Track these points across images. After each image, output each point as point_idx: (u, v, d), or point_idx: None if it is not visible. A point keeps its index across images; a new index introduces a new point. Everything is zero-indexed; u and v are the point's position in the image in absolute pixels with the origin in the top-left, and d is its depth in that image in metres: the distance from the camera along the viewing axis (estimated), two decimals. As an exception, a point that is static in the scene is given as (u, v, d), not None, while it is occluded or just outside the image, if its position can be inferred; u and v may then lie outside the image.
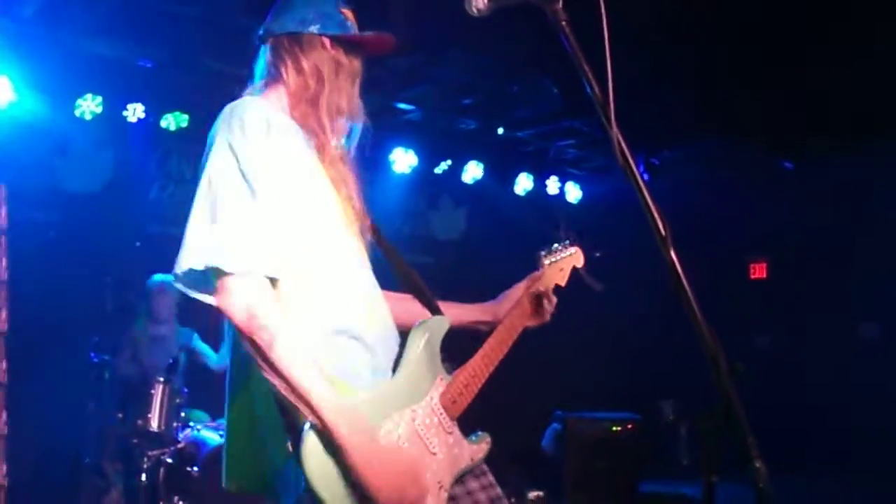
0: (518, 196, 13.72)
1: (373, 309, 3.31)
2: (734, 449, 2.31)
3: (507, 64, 10.06)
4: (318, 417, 2.88)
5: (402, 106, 11.44)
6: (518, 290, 3.93)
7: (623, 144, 2.47)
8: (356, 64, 3.45)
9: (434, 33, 8.53)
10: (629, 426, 11.58)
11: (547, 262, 4.03)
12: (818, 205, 12.85)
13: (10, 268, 7.27)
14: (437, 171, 12.97)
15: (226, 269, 2.91)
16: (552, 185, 14.04)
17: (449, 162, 12.94)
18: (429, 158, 12.64)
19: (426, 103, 11.50)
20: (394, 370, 3.30)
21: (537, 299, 3.89)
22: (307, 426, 2.91)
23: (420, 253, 12.75)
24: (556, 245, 4.12)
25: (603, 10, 2.54)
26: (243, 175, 3.04)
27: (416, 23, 8.14)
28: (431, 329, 3.43)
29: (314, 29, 3.38)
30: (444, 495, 3.28)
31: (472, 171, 13.09)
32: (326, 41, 3.37)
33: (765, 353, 13.72)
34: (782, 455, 9.87)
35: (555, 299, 3.94)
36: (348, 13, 3.47)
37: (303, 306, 3.10)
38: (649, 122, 11.07)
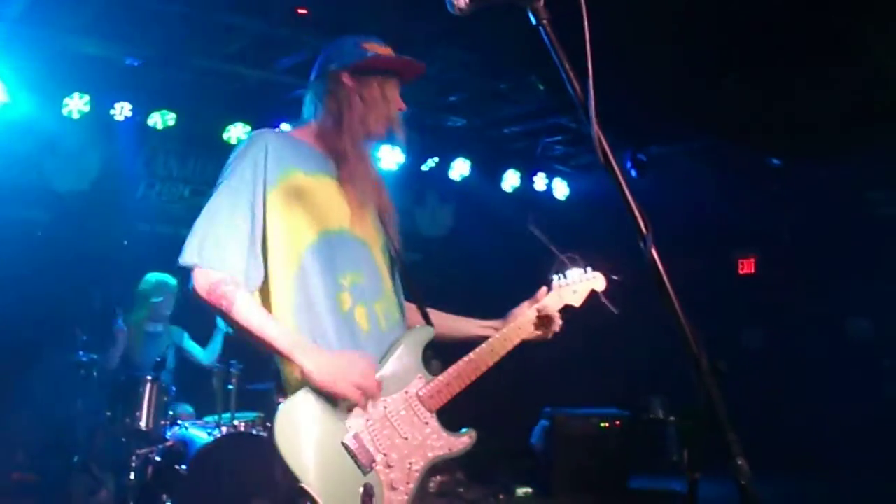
0: (505, 193, 13.71)
1: (364, 313, 3.75)
2: (720, 445, 2.32)
3: (493, 61, 10.07)
4: (278, 350, 3.50)
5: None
6: (523, 307, 4.24)
7: (604, 142, 2.48)
8: (387, 89, 3.91)
9: (421, 30, 8.52)
10: (617, 423, 11.61)
11: (558, 284, 4.33)
12: (806, 201, 12.88)
13: (-2, 267, 7.28)
14: (424, 167, 12.96)
15: (188, 263, 3.55)
16: (539, 181, 14.04)
17: (436, 159, 12.94)
18: (416, 155, 12.63)
19: (413, 100, 11.46)
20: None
21: (544, 317, 4.19)
22: (282, 402, 3.50)
23: (407, 250, 12.76)
24: (574, 270, 4.39)
25: (584, 9, 2.55)
26: (226, 190, 3.65)
27: (403, 20, 8.15)
28: (414, 337, 3.85)
29: (333, 67, 3.91)
30: (416, 476, 3.63)
31: (459, 168, 13.10)
32: (343, 75, 3.87)
33: (753, 349, 13.74)
34: (771, 451, 9.92)
35: (558, 318, 4.23)
36: (374, 46, 3.94)
37: (284, 306, 3.67)
38: (637, 118, 11.09)
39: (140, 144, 10.85)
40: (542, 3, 2.62)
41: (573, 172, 14.46)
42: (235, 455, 7.76)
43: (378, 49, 3.93)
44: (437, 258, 13.10)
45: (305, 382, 3.47)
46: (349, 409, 3.54)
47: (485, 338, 4.05)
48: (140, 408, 8.07)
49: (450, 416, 3.79)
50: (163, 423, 8.23)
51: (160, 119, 10.42)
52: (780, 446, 11.33)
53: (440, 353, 4.06)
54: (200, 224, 3.58)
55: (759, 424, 10.84)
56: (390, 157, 12.16)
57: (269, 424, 3.64)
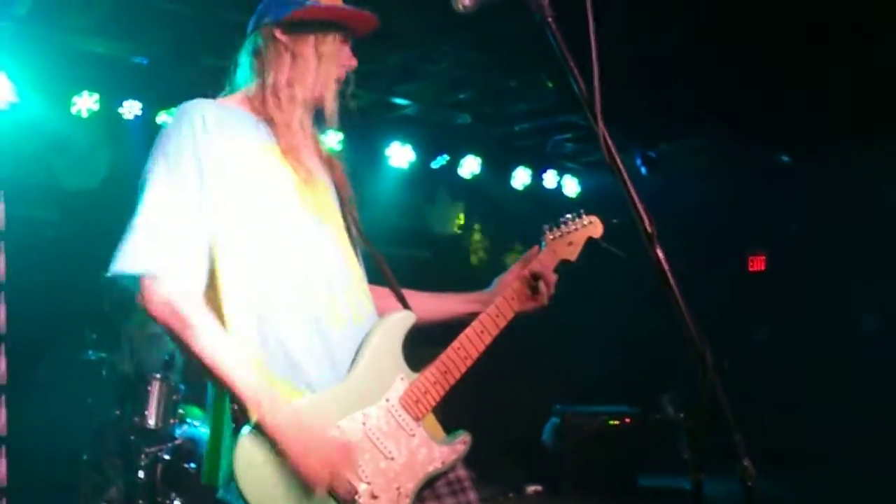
0: (516, 190, 13.70)
1: (333, 305, 3.20)
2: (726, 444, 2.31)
3: (502, 58, 10.06)
4: (240, 399, 2.90)
5: (399, 101, 11.44)
6: (512, 274, 3.72)
7: (610, 141, 2.46)
8: (325, 45, 3.36)
9: (429, 27, 8.52)
10: (627, 420, 11.61)
11: (551, 236, 3.77)
12: (816, 197, 12.85)
13: (8, 265, 7.28)
14: (434, 165, 12.95)
15: (132, 273, 3.00)
16: (550, 179, 14.02)
17: (446, 156, 12.92)
18: (426, 153, 12.62)
19: (422, 98, 11.49)
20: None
21: (534, 279, 3.64)
22: (242, 433, 2.91)
23: (417, 247, 12.76)
24: (566, 217, 3.83)
25: (589, 7, 2.53)
26: (165, 177, 3.10)
27: (410, 16, 8.13)
28: (391, 326, 3.30)
29: (265, 21, 3.37)
30: (406, 501, 3.15)
31: (470, 166, 13.07)
32: (276, 31, 3.33)
33: (763, 346, 13.72)
34: (780, 448, 9.90)
35: (554, 278, 3.66)
36: None
37: (241, 303, 3.09)
38: (647, 115, 11.08)
39: (149, 143, 10.80)
40: (547, 0, 2.60)
41: (583, 170, 14.45)
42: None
43: None
44: (447, 256, 13.11)
45: None
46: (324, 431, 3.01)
47: (473, 315, 3.51)
48: (149, 406, 8.06)
49: (456, 415, 3.52)
50: (172, 421, 8.21)
51: (169, 118, 10.41)
52: (790, 443, 11.32)
53: (423, 341, 3.50)
54: (141, 221, 3.04)
55: (768, 421, 10.83)
56: (401, 155, 12.16)
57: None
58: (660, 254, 2.41)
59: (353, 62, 3.44)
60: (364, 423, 3.12)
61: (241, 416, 2.93)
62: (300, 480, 2.90)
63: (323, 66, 3.34)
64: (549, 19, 2.59)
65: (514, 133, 13.24)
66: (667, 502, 11.09)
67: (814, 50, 9.12)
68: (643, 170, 12.46)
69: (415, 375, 3.29)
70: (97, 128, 10.10)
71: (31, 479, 8.54)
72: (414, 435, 3.22)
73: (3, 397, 7.42)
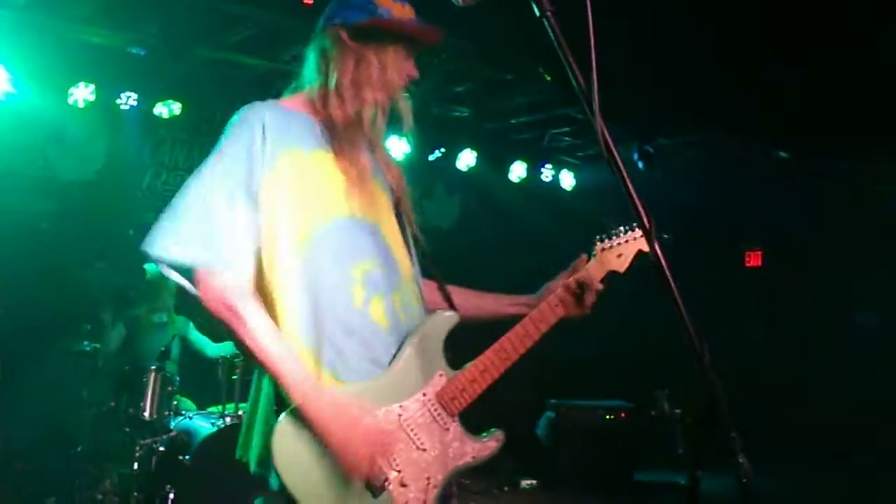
0: (512, 183, 13.70)
1: (379, 302, 3.30)
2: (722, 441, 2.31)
3: (500, 51, 10.05)
4: (286, 390, 3.03)
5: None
6: (559, 281, 3.72)
7: (607, 136, 2.45)
8: (389, 54, 3.42)
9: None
10: (623, 414, 11.61)
11: (601, 247, 3.75)
12: (813, 194, 12.84)
13: (1, 256, 7.27)
14: (431, 158, 12.94)
15: (191, 263, 3.09)
16: (546, 172, 14.02)
17: (443, 149, 12.91)
18: (422, 146, 12.61)
19: (419, 91, 11.47)
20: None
21: (580, 288, 3.65)
22: (281, 417, 3.04)
23: (429, 244, 12.79)
24: (618, 229, 3.79)
25: (588, 1, 2.52)
26: (221, 173, 3.17)
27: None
28: (434, 325, 3.39)
29: (335, 21, 3.41)
30: (434, 492, 3.25)
31: (466, 159, 13.07)
32: (344, 33, 3.37)
33: (759, 342, 13.73)
34: (775, 444, 9.89)
35: (599, 288, 3.68)
36: (388, 2, 3.43)
37: (295, 298, 3.18)
38: (645, 110, 11.07)
39: (146, 134, 10.86)
40: (546, -6, 2.60)
41: (580, 164, 14.46)
42: (239, 446, 7.76)
43: (392, 6, 3.42)
44: (444, 249, 13.09)
45: None
46: (360, 420, 3.10)
47: (517, 317, 3.58)
48: (144, 398, 8.05)
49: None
50: (167, 413, 8.22)
51: (166, 109, 10.42)
52: (785, 439, 11.33)
53: (466, 337, 3.58)
54: (194, 212, 3.12)
55: (763, 417, 10.83)
56: (397, 148, 12.16)
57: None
58: (657, 249, 2.41)
59: (416, 73, 3.52)
60: (400, 415, 3.23)
61: (286, 393, 3.07)
62: (337, 465, 3.03)
63: (387, 74, 3.40)
64: (549, 13, 2.58)
65: (511, 126, 13.23)
66: (662, 497, 11.10)
67: (813, 48, 9.12)
68: (640, 164, 12.45)
69: (454, 373, 3.39)
70: (93, 118, 10.11)
71: (25, 471, 8.54)
72: (448, 429, 3.33)
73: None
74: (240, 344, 3.09)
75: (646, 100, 10.66)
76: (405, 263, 3.48)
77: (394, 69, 3.41)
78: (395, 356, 3.27)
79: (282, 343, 3.08)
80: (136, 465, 7.95)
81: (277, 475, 3.01)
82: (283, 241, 3.17)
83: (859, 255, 12.51)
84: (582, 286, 3.65)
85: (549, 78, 10.47)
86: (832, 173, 12.48)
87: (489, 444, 3.43)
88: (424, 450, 3.25)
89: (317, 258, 3.20)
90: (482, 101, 12.15)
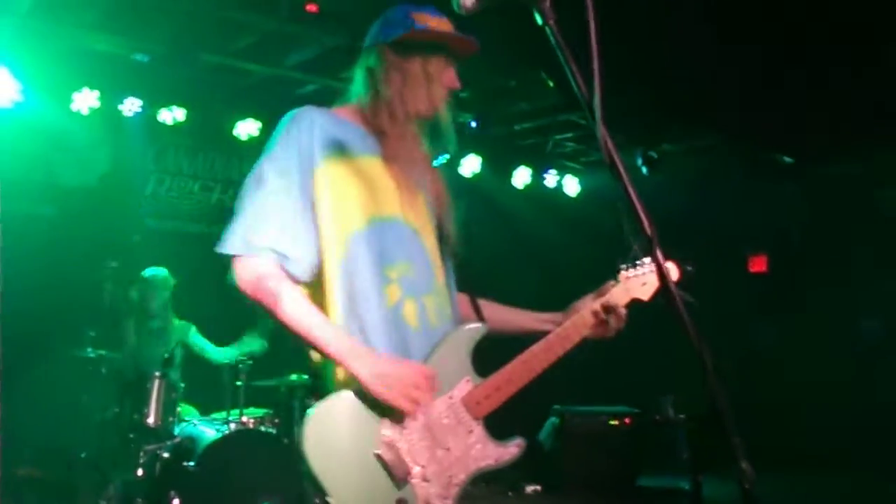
0: (517, 189, 13.70)
1: (413, 307, 3.47)
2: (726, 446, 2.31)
3: (503, 57, 10.05)
4: (328, 353, 3.25)
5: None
6: (585, 302, 3.86)
7: (610, 143, 2.45)
8: (430, 65, 3.60)
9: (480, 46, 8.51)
10: (627, 420, 11.59)
11: (626, 275, 3.88)
12: (818, 199, 12.85)
13: (5, 263, 7.27)
14: (435, 164, 12.91)
15: (230, 252, 3.29)
16: (550, 178, 14.03)
17: (447, 155, 12.89)
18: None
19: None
20: None
21: (605, 312, 3.77)
22: (314, 406, 3.24)
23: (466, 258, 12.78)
24: (644, 259, 3.89)
25: (590, 8, 2.52)
26: (264, 170, 3.38)
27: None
28: (463, 333, 3.51)
29: (378, 40, 3.62)
30: (455, 490, 3.37)
31: (471, 165, 13.07)
32: (385, 49, 3.58)
33: (764, 347, 13.71)
34: (780, 450, 9.89)
35: (623, 314, 3.80)
36: (425, 17, 3.61)
37: (336, 296, 3.39)
38: (649, 115, 11.07)
39: (149, 140, 10.87)
40: (548, 2, 2.60)
41: (584, 169, 14.46)
42: (244, 452, 7.77)
43: (429, 20, 3.61)
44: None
45: (350, 383, 3.25)
46: (387, 416, 3.27)
47: (542, 333, 3.72)
48: (148, 404, 8.07)
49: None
50: (171, 419, 8.23)
51: (170, 115, 10.43)
52: (790, 445, 11.32)
53: (494, 348, 3.71)
54: (245, 207, 3.35)
55: (768, 423, 10.83)
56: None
57: (296, 428, 3.34)
58: (660, 256, 2.42)
59: (458, 84, 3.70)
60: (426, 414, 3.35)
61: (320, 386, 3.41)
62: (365, 456, 3.22)
63: (431, 85, 3.60)
64: (551, 22, 2.58)
65: (515, 132, 13.24)
66: (665, 503, 11.09)
67: (816, 52, 9.11)
68: (644, 169, 12.45)
69: (480, 380, 3.50)
70: (97, 125, 10.11)
71: (28, 478, 8.54)
72: (472, 431, 3.45)
73: (-1, 397, 7.42)
74: (277, 320, 3.26)
75: (649, 105, 10.67)
76: (440, 271, 3.66)
77: (437, 80, 3.61)
78: (425, 359, 3.40)
79: (318, 314, 3.28)
80: (140, 472, 7.96)
81: (307, 461, 3.14)
82: (327, 235, 3.36)
83: (864, 259, 12.50)
84: (607, 310, 3.76)
85: (551, 84, 10.48)
86: (836, 178, 12.48)
87: (511, 449, 3.55)
88: (448, 449, 3.38)
89: (357, 255, 3.38)
90: (486, 108, 12.15)
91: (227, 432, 7.94)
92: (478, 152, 13.03)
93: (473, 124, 12.34)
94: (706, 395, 2.33)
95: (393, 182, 3.53)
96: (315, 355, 3.43)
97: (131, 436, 8.13)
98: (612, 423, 11.57)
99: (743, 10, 8.45)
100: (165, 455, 8.08)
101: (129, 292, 9.22)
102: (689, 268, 3.87)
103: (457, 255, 3.81)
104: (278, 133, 3.45)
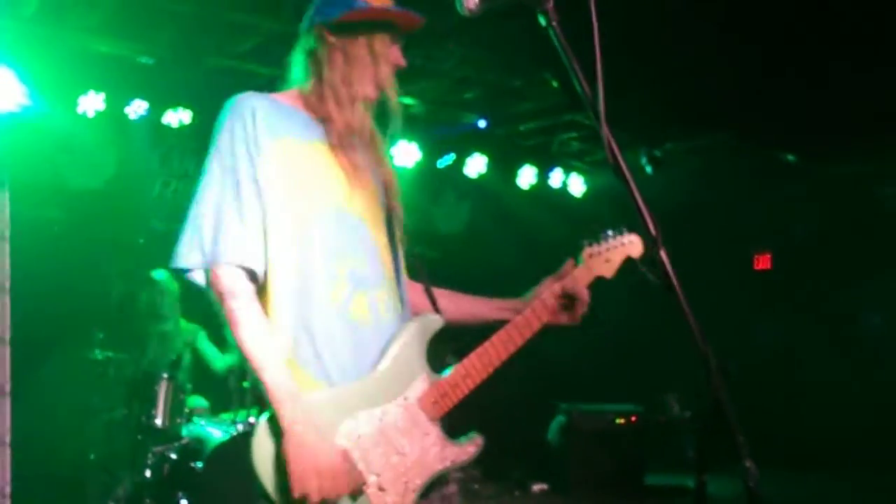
0: (522, 189, 13.70)
1: (362, 302, 3.30)
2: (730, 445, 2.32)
3: (508, 58, 10.07)
4: (268, 396, 3.04)
5: (404, 100, 11.42)
6: (545, 286, 3.63)
7: (613, 143, 2.47)
8: (376, 44, 3.43)
9: (434, 26, 8.52)
10: (633, 418, 11.61)
11: (589, 252, 3.65)
12: (822, 197, 12.85)
13: (14, 266, 7.30)
14: (441, 164, 12.95)
15: (188, 267, 3.18)
16: (556, 178, 14.02)
17: (452, 155, 12.92)
18: (431, 152, 12.62)
19: (428, 97, 11.51)
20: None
21: (566, 295, 3.58)
22: (259, 422, 3.09)
23: (423, 247, 12.76)
24: (606, 233, 3.69)
25: (593, 9, 2.54)
26: (220, 171, 3.24)
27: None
28: (418, 328, 3.38)
29: (316, 21, 3.43)
30: (412, 496, 3.23)
31: (476, 165, 13.07)
32: (325, 30, 3.40)
33: (768, 344, 13.72)
34: (785, 448, 9.89)
35: (586, 296, 3.59)
36: None
37: (282, 293, 3.21)
38: (653, 114, 11.07)
39: (155, 143, 10.86)
40: (551, 4, 2.61)
41: (589, 169, 14.46)
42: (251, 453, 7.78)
43: None
44: (453, 255, 13.11)
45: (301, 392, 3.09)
46: (340, 426, 3.13)
47: (502, 322, 3.51)
48: (156, 405, 8.07)
49: (463, 414, 3.49)
50: (179, 420, 8.23)
51: (176, 117, 10.45)
52: (794, 443, 11.32)
53: (454, 339, 3.56)
54: (204, 215, 3.18)
55: (772, 421, 10.83)
56: (407, 155, 12.16)
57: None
58: (664, 256, 2.43)
59: (402, 61, 3.52)
60: (381, 419, 3.21)
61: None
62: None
63: (377, 65, 3.43)
64: (554, 23, 2.60)
65: (520, 132, 13.24)
66: (671, 501, 11.11)
67: (821, 51, 9.11)
68: (648, 169, 12.45)
69: (436, 377, 3.36)
70: (103, 127, 10.12)
71: (38, 479, 8.57)
72: (428, 433, 3.29)
73: (5, 401, 7.44)
74: (234, 339, 3.12)
75: (654, 104, 10.67)
76: (389, 263, 3.47)
77: (382, 59, 3.43)
78: (378, 358, 3.28)
79: (272, 350, 3.11)
80: (148, 473, 7.97)
81: (258, 479, 3.06)
82: (275, 230, 3.20)
83: (867, 257, 12.50)
84: (568, 293, 3.59)
85: (556, 84, 10.49)
86: (841, 176, 12.48)
87: (468, 448, 3.38)
88: (404, 454, 3.23)
89: (303, 250, 3.23)
90: (491, 108, 12.16)
91: (234, 433, 7.95)
92: (483, 152, 13.03)
93: (482, 124, 12.37)
94: (711, 394, 2.34)
95: (340, 170, 3.35)
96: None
97: (139, 437, 8.13)
98: (619, 421, 11.59)
99: (746, 9, 8.45)
100: (173, 456, 8.09)
101: (138, 294, 9.22)
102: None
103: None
104: (221, 124, 3.31)
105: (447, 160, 12.94)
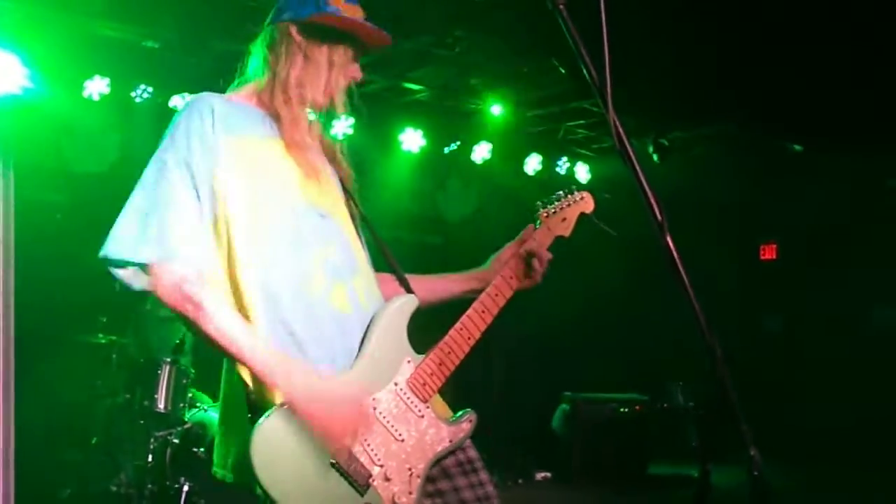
0: (528, 176, 13.67)
1: (339, 292, 3.28)
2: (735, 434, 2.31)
3: (514, 44, 10.04)
4: (253, 369, 3.01)
5: (411, 86, 11.42)
6: (508, 252, 3.77)
7: (621, 129, 2.45)
8: (336, 54, 3.43)
9: (440, 12, 8.50)
10: (637, 408, 11.62)
11: (545, 214, 3.82)
12: (828, 187, 12.81)
13: (17, 249, 7.28)
14: (447, 151, 12.93)
15: (142, 262, 3.06)
16: (562, 165, 13.99)
17: (458, 142, 12.90)
18: (438, 138, 12.60)
19: (435, 83, 11.49)
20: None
21: (529, 257, 3.71)
22: (259, 420, 2.96)
23: (429, 233, 12.76)
24: (559, 194, 3.89)
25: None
26: (172, 164, 3.16)
27: (424, 3, 8.11)
28: (395, 310, 3.38)
29: (284, 16, 3.44)
30: (418, 481, 3.26)
31: (481, 152, 13.04)
32: (293, 29, 3.40)
33: (774, 335, 13.70)
34: (790, 440, 9.88)
35: (548, 256, 3.74)
36: (340, 1, 3.41)
37: (252, 289, 3.16)
38: (660, 102, 11.05)
39: (160, 127, 10.82)
40: (559, -13, 2.60)
41: (596, 156, 14.43)
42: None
43: (340, 4, 3.40)
44: (458, 242, 13.11)
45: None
46: None
47: (471, 292, 3.65)
48: (158, 390, 8.09)
49: (466, 403, 3.50)
50: (181, 405, 8.25)
51: (181, 101, 10.42)
52: (800, 435, 11.30)
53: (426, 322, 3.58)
54: (145, 207, 3.11)
55: (778, 412, 10.82)
56: (413, 141, 12.14)
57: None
58: (670, 242, 2.41)
59: (360, 76, 3.51)
60: (375, 408, 3.20)
61: (258, 400, 3.05)
62: (320, 466, 3.00)
63: (332, 73, 3.42)
64: (561, 7, 2.58)
65: (527, 119, 13.21)
66: (676, 490, 11.10)
67: (830, 41, 9.08)
68: (655, 157, 12.43)
69: (420, 358, 3.37)
70: (108, 111, 10.10)
71: (40, 463, 8.57)
72: (423, 416, 3.32)
73: (9, 405, 7.44)
74: (201, 333, 3.05)
75: (661, 92, 10.64)
76: (359, 251, 3.49)
77: (339, 69, 3.44)
78: (361, 346, 3.27)
79: (245, 326, 3.05)
80: (150, 458, 7.98)
81: (259, 480, 2.93)
82: (239, 228, 3.15)
83: (874, 248, 12.46)
84: (532, 255, 3.70)
85: (563, 70, 10.46)
86: (847, 166, 12.44)
87: (463, 426, 3.43)
88: (402, 440, 3.24)
89: (275, 246, 3.19)
90: (497, 94, 12.13)
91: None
92: (489, 139, 13.00)
93: (496, 111, 12.34)
94: (715, 383, 2.33)
95: (296, 166, 3.34)
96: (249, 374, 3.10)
97: (142, 422, 8.15)
98: (623, 410, 11.59)
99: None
100: (176, 441, 8.10)
101: None
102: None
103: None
104: (177, 122, 3.27)
105: (453, 147, 12.92)
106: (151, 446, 7.99)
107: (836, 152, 12.30)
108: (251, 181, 3.21)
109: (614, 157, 2.52)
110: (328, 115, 3.51)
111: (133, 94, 10.13)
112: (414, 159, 12.38)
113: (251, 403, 3.08)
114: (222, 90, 3.40)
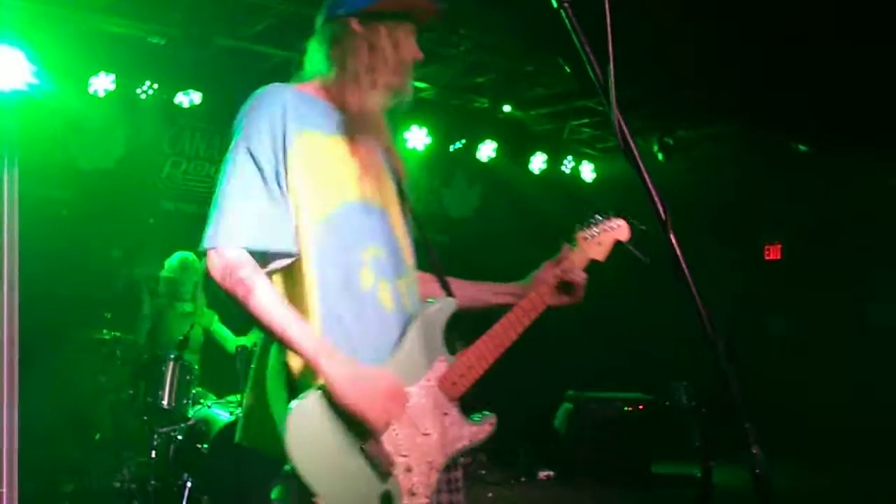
0: (532, 175, 13.68)
1: (385, 288, 3.35)
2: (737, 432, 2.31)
3: (520, 42, 10.04)
4: (298, 351, 3.07)
5: (416, 84, 11.41)
6: (546, 270, 3.84)
7: (625, 128, 2.46)
8: (397, 35, 3.46)
9: (448, 11, 8.50)
10: (640, 406, 11.61)
11: (582, 237, 3.90)
12: (832, 187, 12.80)
13: (23, 245, 7.29)
14: (452, 149, 12.94)
15: (207, 246, 3.11)
16: (566, 164, 14.01)
17: (463, 140, 12.91)
18: (443, 136, 12.60)
19: (440, 81, 11.50)
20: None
21: (565, 278, 3.77)
22: (296, 400, 3.04)
23: (434, 231, 12.73)
24: (596, 217, 3.95)
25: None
26: (238, 154, 3.23)
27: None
28: (435, 311, 3.44)
29: (340, 11, 3.45)
30: (435, 476, 3.30)
31: (487, 150, 13.05)
32: (352, 21, 3.42)
33: (778, 335, 13.70)
34: (793, 439, 9.87)
35: (584, 277, 3.81)
36: None
37: (309, 280, 3.22)
38: (665, 102, 11.05)
39: (166, 123, 10.86)
40: (564, -15, 2.60)
41: (600, 155, 14.44)
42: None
43: None
44: (463, 239, 13.11)
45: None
46: None
47: (505, 306, 3.68)
48: (162, 386, 8.09)
49: (470, 400, 3.50)
50: (185, 401, 8.25)
51: (186, 98, 10.43)
52: (803, 433, 11.30)
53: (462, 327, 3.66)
54: (220, 199, 3.19)
55: (781, 411, 10.81)
56: (418, 138, 12.15)
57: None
58: (674, 241, 2.42)
59: (420, 55, 3.55)
60: (407, 401, 3.25)
61: (300, 381, 3.14)
62: (349, 450, 3.08)
63: (398, 54, 3.46)
64: (565, 5, 2.58)
65: (532, 117, 13.22)
66: (679, 489, 11.09)
67: (834, 41, 9.08)
68: (660, 156, 12.43)
69: (453, 359, 3.44)
70: (113, 108, 10.11)
71: (43, 459, 8.58)
72: (448, 413, 3.38)
73: (13, 408, 7.44)
74: (248, 313, 3.10)
75: (666, 92, 10.65)
76: (408, 251, 3.55)
77: (404, 49, 3.48)
78: (399, 342, 3.32)
79: (290, 309, 3.12)
80: (153, 454, 8.00)
81: (290, 456, 3.00)
82: (303, 221, 3.21)
83: (878, 248, 12.46)
84: (568, 277, 3.76)
85: (568, 69, 10.46)
86: (852, 166, 12.43)
87: (484, 427, 3.49)
88: (428, 434, 3.30)
89: (330, 239, 3.25)
90: (502, 93, 12.14)
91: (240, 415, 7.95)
92: (494, 137, 13.01)
93: (507, 108, 12.36)
94: (719, 383, 2.33)
95: (359, 161, 3.40)
96: (293, 358, 3.18)
97: (145, 417, 8.16)
98: (626, 409, 11.60)
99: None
100: (179, 437, 8.12)
101: (160, 274, 9.22)
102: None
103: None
104: (247, 112, 3.33)
105: (458, 145, 12.92)
106: (155, 442, 8.00)
107: (841, 153, 12.30)
108: (314, 173, 3.26)
109: (619, 156, 2.53)
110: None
111: (138, 91, 10.13)
112: (419, 157, 12.38)
113: (291, 384, 3.16)
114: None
